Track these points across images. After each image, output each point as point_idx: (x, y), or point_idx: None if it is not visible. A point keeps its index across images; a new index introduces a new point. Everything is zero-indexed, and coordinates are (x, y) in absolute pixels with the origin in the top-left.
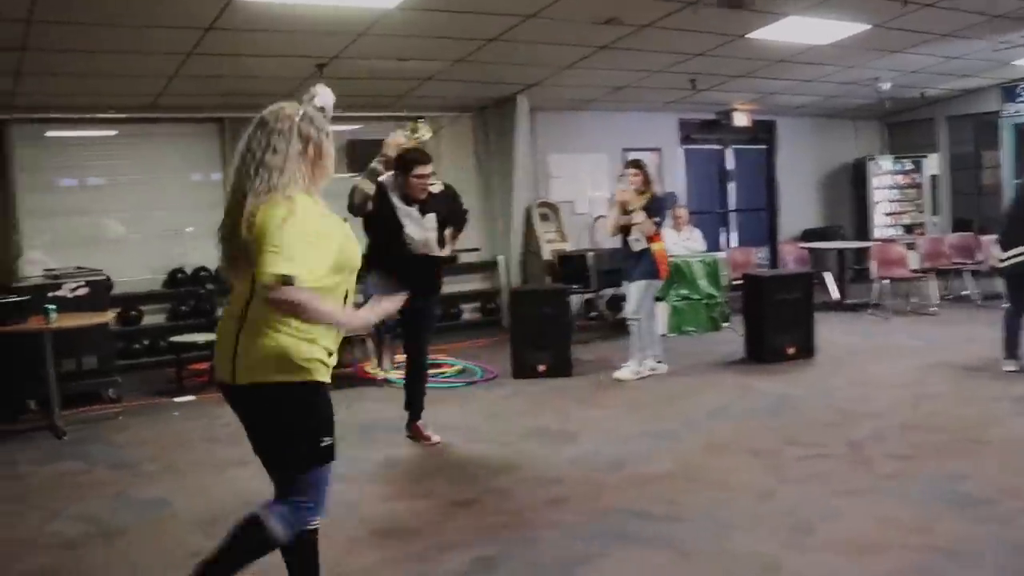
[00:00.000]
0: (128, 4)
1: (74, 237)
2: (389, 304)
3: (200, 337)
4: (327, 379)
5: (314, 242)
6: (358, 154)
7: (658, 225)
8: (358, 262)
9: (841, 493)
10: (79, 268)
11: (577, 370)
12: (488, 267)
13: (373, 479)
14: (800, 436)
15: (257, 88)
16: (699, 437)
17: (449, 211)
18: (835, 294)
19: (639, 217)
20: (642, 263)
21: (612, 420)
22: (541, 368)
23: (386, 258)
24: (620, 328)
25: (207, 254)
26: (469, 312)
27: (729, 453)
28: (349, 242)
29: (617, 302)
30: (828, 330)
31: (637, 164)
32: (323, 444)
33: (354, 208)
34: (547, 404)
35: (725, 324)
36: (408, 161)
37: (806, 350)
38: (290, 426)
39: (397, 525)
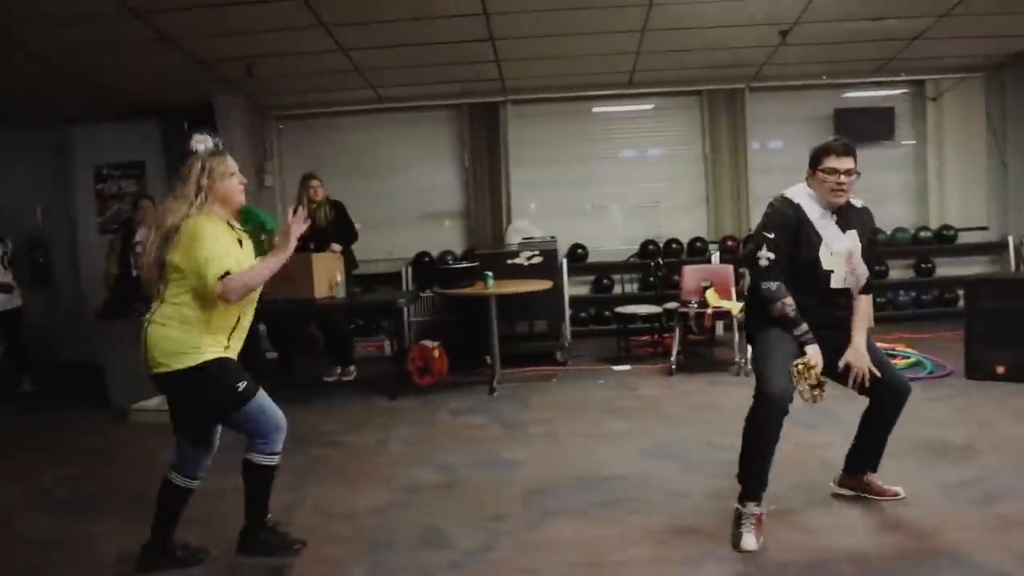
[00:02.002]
0: None
1: (557, 207)
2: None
3: (642, 309)
4: (219, 356)
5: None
6: (846, 124)
7: None
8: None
9: None
10: (551, 238)
11: None
12: (996, 248)
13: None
14: None
15: (728, 60)
16: None
17: (867, 240)
18: None
19: None
20: None
21: None
22: (1000, 370)
23: (798, 293)
24: None
25: (679, 226)
26: None
27: None
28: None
29: None
30: None
31: None
32: (238, 389)
33: None
34: (976, 414)
35: None
36: (816, 152)
37: None
38: (204, 395)
39: (700, 525)
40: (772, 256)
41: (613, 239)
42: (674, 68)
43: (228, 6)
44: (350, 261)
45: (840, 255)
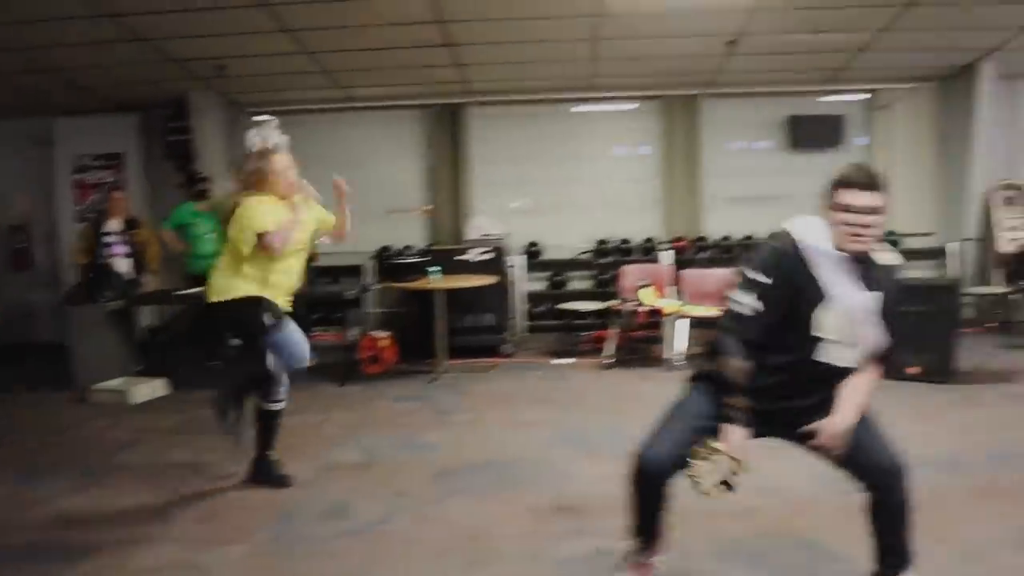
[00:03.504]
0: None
1: (516, 206)
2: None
3: (585, 305)
4: (252, 293)
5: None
6: (799, 131)
7: None
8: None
9: None
10: (504, 235)
11: (965, 379)
12: (940, 254)
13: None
14: None
15: (682, 67)
16: (982, 475)
17: (887, 311)
18: None
19: None
20: None
21: (924, 438)
22: (912, 371)
23: (770, 349)
24: None
25: (635, 226)
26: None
27: (998, 499)
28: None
29: None
30: None
31: None
32: (258, 325)
33: None
34: (878, 412)
35: None
36: (833, 182)
37: None
38: (239, 319)
39: (580, 505)
40: (755, 307)
41: (571, 237)
42: (631, 75)
43: (197, 11)
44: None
45: (845, 321)
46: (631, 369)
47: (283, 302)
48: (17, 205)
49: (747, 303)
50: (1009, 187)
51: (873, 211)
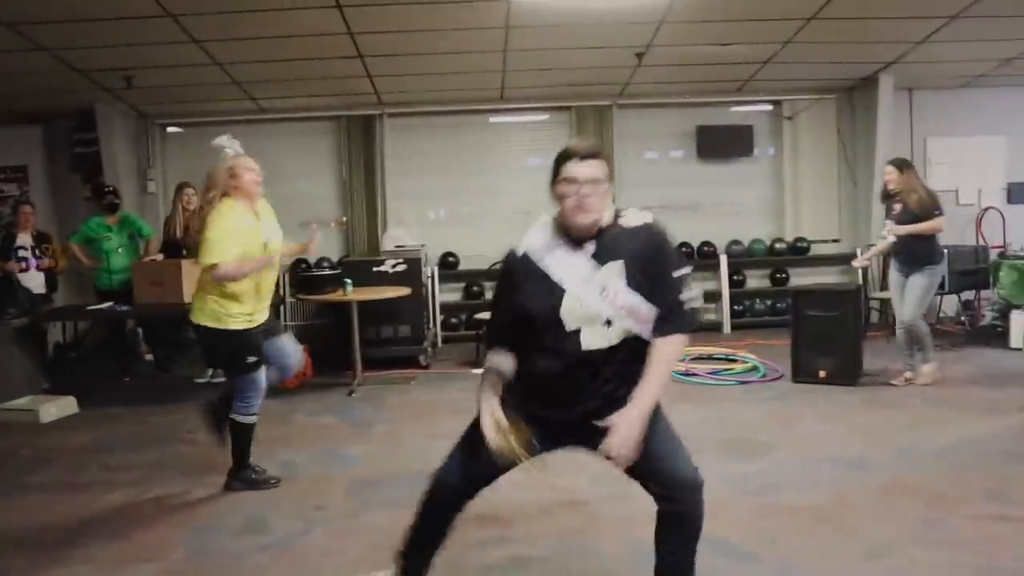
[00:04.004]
0: (425, 12)
1: (433, 216)
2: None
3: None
4: (248, 327)
5: (227, 235)
6: (708, 140)
7: None
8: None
9: (971, 568)
10: (420, 246)
11: (871, 380)
12: (847, 259)
13: None
14: None
15: (593, 78)
16: (887, 473)
17: (652, 273)
18: None
19: None
20: None
21: (832, 438)
22: (822, 374)
23: (532, 359)
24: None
25: None
26: None
27: (903, 496)
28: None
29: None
30: None
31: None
32: (247, 361)
33: None
34: (787, 414)
35: None
36: (556, 158)
37: None
38: (219, 352)
39: (499, 513)
40: (495, 313)
41: (486, 247)
42: (542, 85)
43: (102, 20)
44: None
45: (589, 305)
46: None
47: (266, 309)
48: None
49: (491, 313)
50: None
51: (595, 180)
